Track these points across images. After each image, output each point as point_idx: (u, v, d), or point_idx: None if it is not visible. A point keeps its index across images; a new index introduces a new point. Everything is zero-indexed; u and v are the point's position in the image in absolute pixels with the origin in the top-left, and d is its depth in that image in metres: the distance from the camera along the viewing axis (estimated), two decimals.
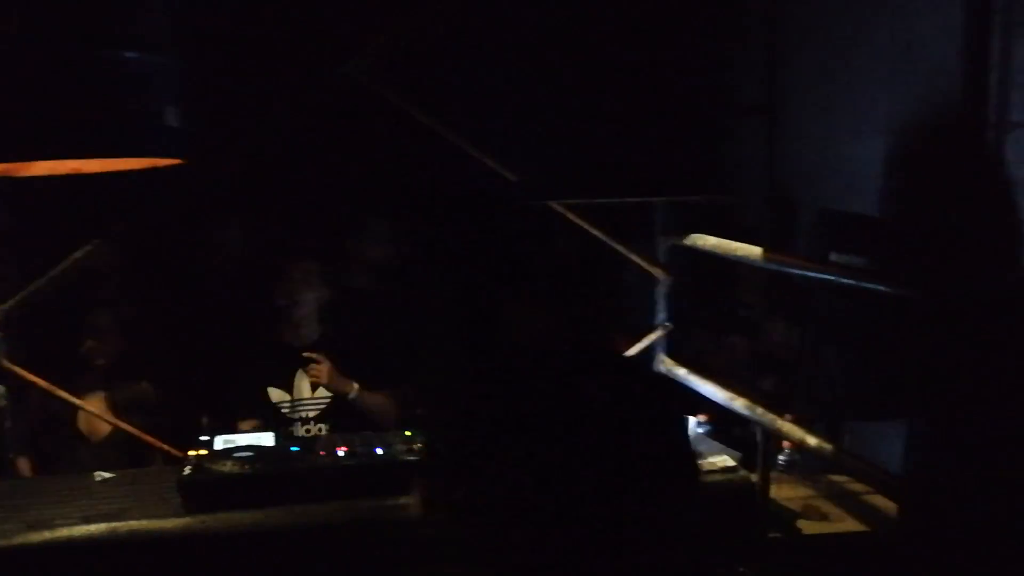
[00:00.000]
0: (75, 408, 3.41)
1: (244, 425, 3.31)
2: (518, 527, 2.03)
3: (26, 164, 2.63)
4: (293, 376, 3.46)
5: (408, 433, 3.04)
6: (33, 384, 3.21)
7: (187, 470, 2.75)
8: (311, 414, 3.44)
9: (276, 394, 3.43)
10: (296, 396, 3.46)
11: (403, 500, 2.71)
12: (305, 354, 3.41)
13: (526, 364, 2.19)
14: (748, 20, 3.29)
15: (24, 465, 3.40)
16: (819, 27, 3.92)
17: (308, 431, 3.42)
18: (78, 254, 3.19)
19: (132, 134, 2.43)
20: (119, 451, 3.40)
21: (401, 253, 4.17)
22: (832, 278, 2.64)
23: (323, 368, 3.40)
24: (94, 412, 3.33)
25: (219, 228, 4.08)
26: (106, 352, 3.50)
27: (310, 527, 2.70)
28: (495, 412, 2.09)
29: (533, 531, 2.03)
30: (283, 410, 3.43)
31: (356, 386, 3.44)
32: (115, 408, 3.48)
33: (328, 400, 3.46)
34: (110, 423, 3.38)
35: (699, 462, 3.03)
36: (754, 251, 2.92)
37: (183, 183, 3.19)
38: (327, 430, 3.42)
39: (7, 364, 3.13)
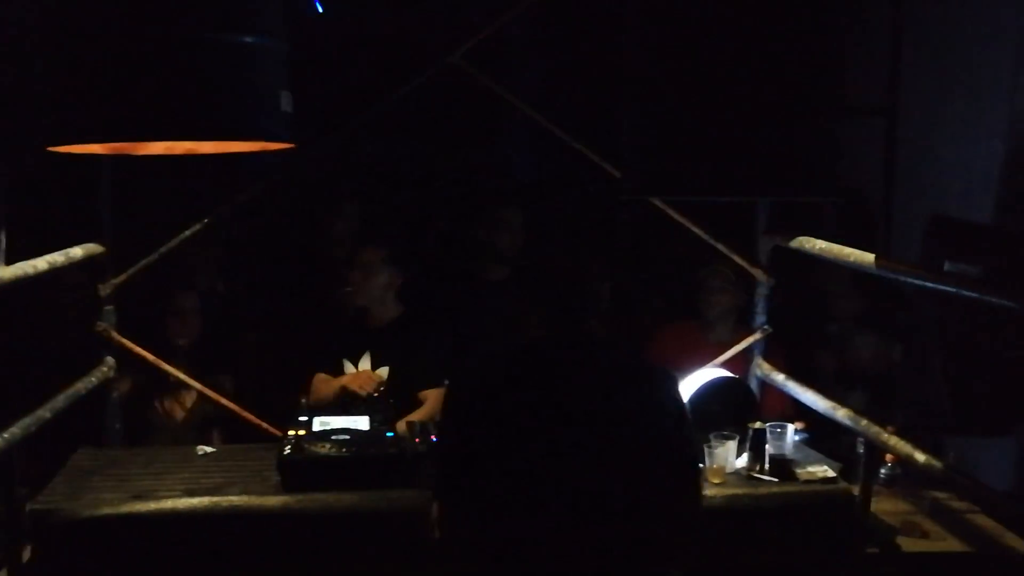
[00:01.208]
0: (159, 391, 3.51)
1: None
2: (516, 520, 2.06)
3: (143, 143, 2.70)
4: (362, 352, 3.51)
5: None
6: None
7: (287, 450, 2.79)
8: (370, 395, 3.46)
9: (348, 366, 3.49)
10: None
11: None
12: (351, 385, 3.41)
13: (525, 360, 2.22)
14: (869, 19, 3.18)
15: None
16: (941, 29, 3.79)
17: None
18: (187, 232, 3.27)
19: (248, 117, 2.47)
20: (190, 438, 3.46)
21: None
22: (949, 289, 2.53)
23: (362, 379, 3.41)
24: (198, 387, 3.39)
25: (329, 213, 4.12)
26: (188, 333, 3.56)
27: (401, 512, 2.72)
28: (492, 408, 2.13)
29: (530, 524, 2.05)
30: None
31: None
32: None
33: (384, 383, 3.48)
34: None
35: (797, 470, 2.98)
36: (866, 258, 2.82)
37: (293, 167, 3.24)
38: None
39: (117, 337, 3.22)
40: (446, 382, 3.46)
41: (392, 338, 3.51)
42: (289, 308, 3.94)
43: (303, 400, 3.25)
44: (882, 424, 2.91)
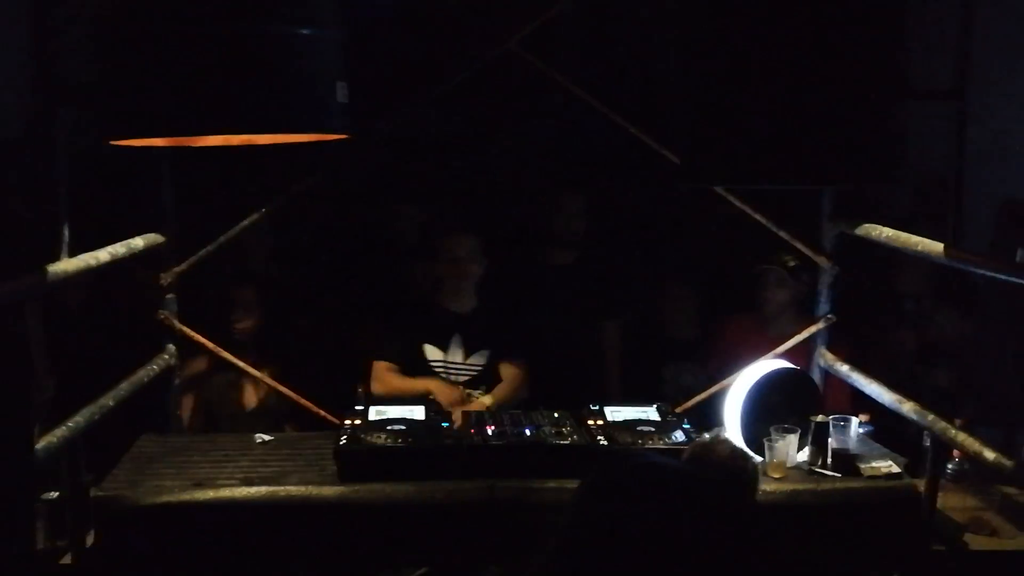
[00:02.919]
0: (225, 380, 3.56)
1: (379, 367, 3.43)
2: None
3: (200, 135, 2.71)
4: (450, 338, 3.50)
5: (557, 415, 3.02)
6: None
7: (343, 439, 2.81)
8: (462, 379, 3.47)
9: (432, 351, 3.49)
10: (450, 358, 3.50)
11: (548, 483, 2.71)
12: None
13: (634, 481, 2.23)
14: (937, 2, 3.07)
15: (187, 403, 3.53)
16: (1013, 6, 3.64)
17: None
18: (246, 221, 3.30)
19: (304, 110, 2.46)
20: (258, 426, 3.49)
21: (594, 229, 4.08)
22: (1020, 282, 2.43)
23: (452, 393, 3.40)
24: (262, 377, 3.43)
25: (398, 202, 4.13)
26: (248, 325, 3.58)
27: (457, 503, 2.73)
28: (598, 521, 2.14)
29: None
30: (435, 368, 3.48)
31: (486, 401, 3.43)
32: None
33: (480, 368, 3.49)
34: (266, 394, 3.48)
35: (861, 465, 2.91)
36: (935, 247, 2.73)
37: (353, 156, 3.24)
38: (480, 395, 3.44)
39: (178, 325, 3.27)
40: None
41: (483, 324, 3.52)
42: (349, 294, 3.95)
43: (360, 389, 3.27)
44: (951, 416, 2.83)
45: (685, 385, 3.75)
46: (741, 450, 2.49)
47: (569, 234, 3.90)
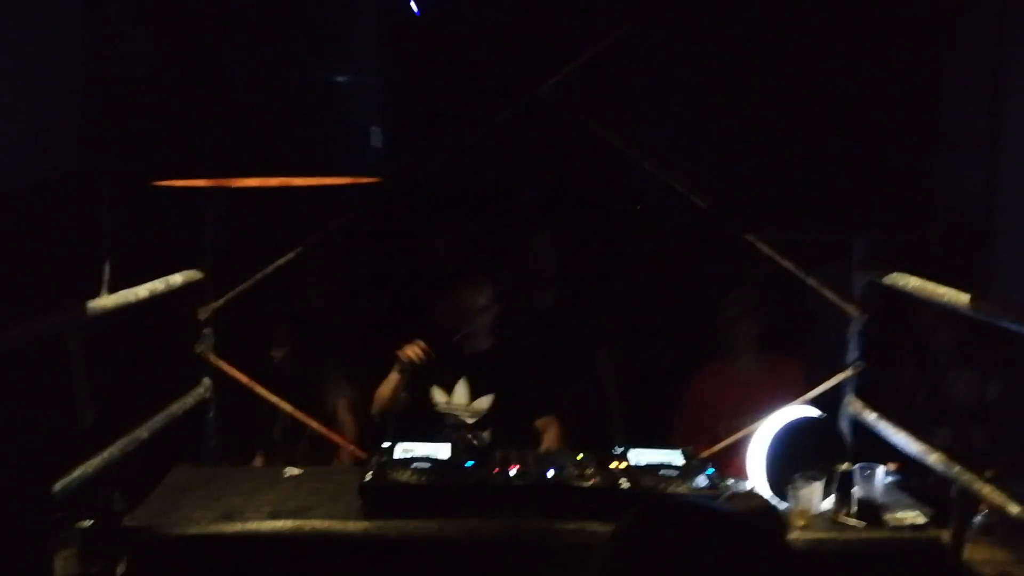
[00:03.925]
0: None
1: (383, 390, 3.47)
2: None
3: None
4: (456, 381, 3.54)
5: (580, 457, 3.04)
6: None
7: (368, 476, 2.86)
8: (468, 421, 3.51)
9: (438, 393, 3.53)
10: (453, 400, 3.54)
11: (570, 525, 2.73)
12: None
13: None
14: (968, 48, 3.08)
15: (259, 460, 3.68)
16: None
17: (472, 437, 3.47)
18: (282, 259, 3.38)
19: (339, 155, 2.54)
20: (316, 450, 3.57)
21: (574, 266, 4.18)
22: None
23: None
24: (288, 408, 3.51)
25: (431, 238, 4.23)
26: (286, 359, 3.68)
27: (479, 542, 2.75)
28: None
29: None
30: (439, 410, 3.52)
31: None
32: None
33: (486, 412, 3.52)
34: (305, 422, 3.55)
35: (886, 515, 2.89)
36: (961, 298, 2.73)
37: (377, 199, 3.31)
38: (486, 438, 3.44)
39: (213, 359, 3.36)
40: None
41: (492, 366, 3.55)
42: (377, 330, 4.03)
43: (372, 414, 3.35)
44: (981, 468, 2.80)
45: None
46: (769, 502, 2.51)
47: (548, 273, 3.98)
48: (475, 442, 3.12)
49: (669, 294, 4.36)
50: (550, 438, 3.51)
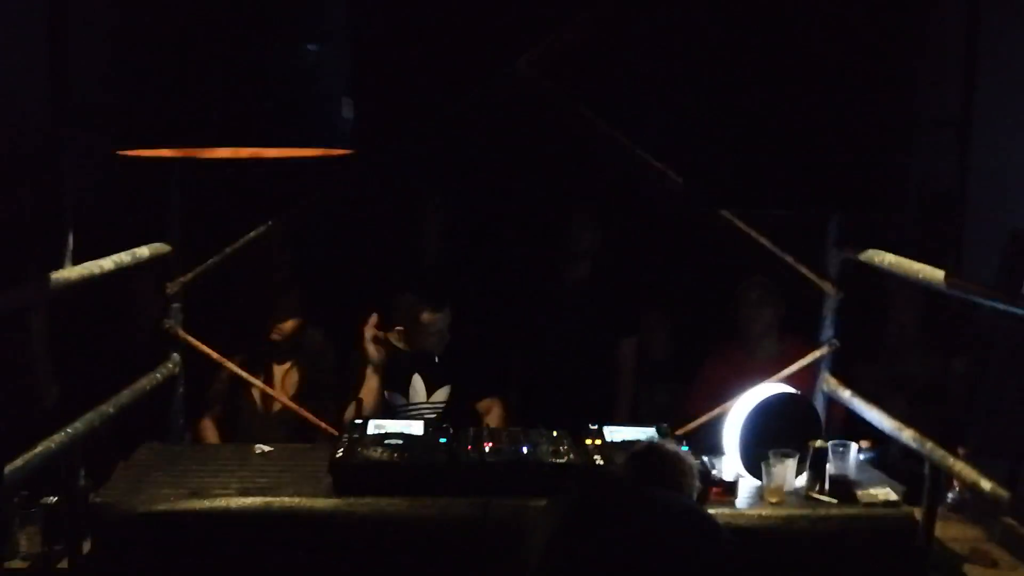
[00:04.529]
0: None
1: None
2: None
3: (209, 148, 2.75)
4: (409, 380, 3.50)
5: (555, 434, 3.02)
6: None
7: (339, 452, 2.82)
8: (429, 416, 3.47)
9: (395, 398, 3.49)
10: (412, 399, 3.50)
11: (543, 502, 2.71)
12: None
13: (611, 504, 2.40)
14: (943, 32, 3.07)
15: (208, 426, 3.57)
16: (1020, 34, 3.62)
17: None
18: (252, 233, 3.32)
19: (310, 126, 2.49)
20: (288, 426, 3.52)
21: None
22: (1020, 312, 2.42)
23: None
24: (263, 387, 3.47)
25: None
26: (283, 331, 3.61)
27: (451, 520, 2.73)
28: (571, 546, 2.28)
29: None
30: (399, 411, 3.47)
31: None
32: (300, 384, 3.61)
33: (443, 404, 3.50)
34: (281, 401, 3.51)
35: (858, 492, 2.89)
36: (936, 275, 2.72)
37: (350, 171, 3.26)
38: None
39: (182, 334, 3.30)
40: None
41: (444, 361, 3.51)
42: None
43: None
44: (954, 446, 2.81)
45: (660, 403, 3.77)
46: (681, 451, 2.56)
47: (582, 248, 3.91)
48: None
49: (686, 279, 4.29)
50: (493, 419, 3.50)
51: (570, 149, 4.12)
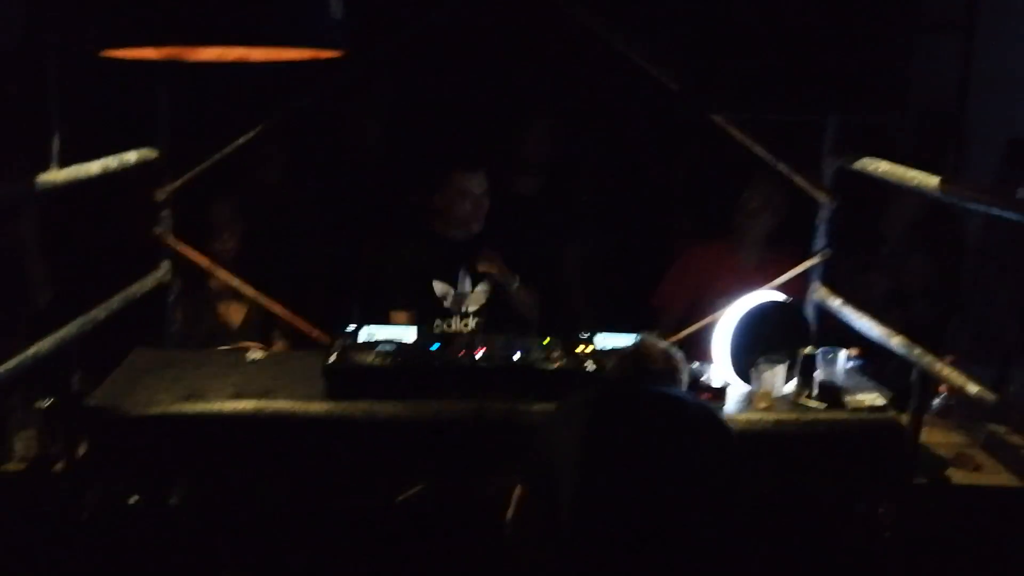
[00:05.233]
0: (214, 299, 3.57)
1: (398, 317, 3.37)
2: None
3: (194, 49, 2.69)
4: (456, 270, 3.50)
5: (546, 341, 3.03)
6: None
7: (332, 358, 2.83)
8: (471, 308, 3.49)
9: (440, 287, 3.48)
10: (460, 290, 3.50)
11: (535, 407, 2.74)
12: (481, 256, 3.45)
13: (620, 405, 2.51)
14: None
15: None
16: None
17: (466, 324, 3.46)
18: (240, 140, 3.28)
19: (298, 23, 2.43)
20: (251, 339, 3.51)
21: (562, 155, 4.12)
22: (1017, 216, 2.41)
23: (494, 260, 3.45)
24: (250, 293, 3.46)
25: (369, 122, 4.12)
26: (229, 242, 3.56)
27: (442, 422, 2.76)
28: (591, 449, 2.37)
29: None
30: (445, 303, 3.48)
31: (517, 278, 3.48)
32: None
33: (487, 295, 3.50)
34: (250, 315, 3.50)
35: (846, 398, 2.92)
36: (931, 181, 2.70)
37: (338, 74, 3.20)
38: (481, 324, 3.46)
39: (172, 241, 3.28)
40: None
41: (487, 248, 3.50)
42: (348, 218, 3.95)
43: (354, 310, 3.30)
44: (942, 352, 2.83)
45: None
46: (670, 348, 2.63)
47: (536, 161, 3.90)
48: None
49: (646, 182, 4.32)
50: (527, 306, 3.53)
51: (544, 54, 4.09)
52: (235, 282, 3.37)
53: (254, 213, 3.66)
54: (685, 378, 2.58)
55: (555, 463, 2.39)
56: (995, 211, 2.56)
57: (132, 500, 2.71)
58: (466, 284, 3.49)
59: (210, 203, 3.55)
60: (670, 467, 2.35)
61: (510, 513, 2.44)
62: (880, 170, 3.01)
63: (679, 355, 2.59)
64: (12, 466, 2.72)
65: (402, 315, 3.38)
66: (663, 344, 2.61)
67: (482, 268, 3.46)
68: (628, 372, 2.57)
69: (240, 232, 3.56)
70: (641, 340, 2.65)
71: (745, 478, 2.41)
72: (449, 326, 3.42)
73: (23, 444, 2.74)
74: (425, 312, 3.40)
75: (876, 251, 3.82)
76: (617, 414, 2.48)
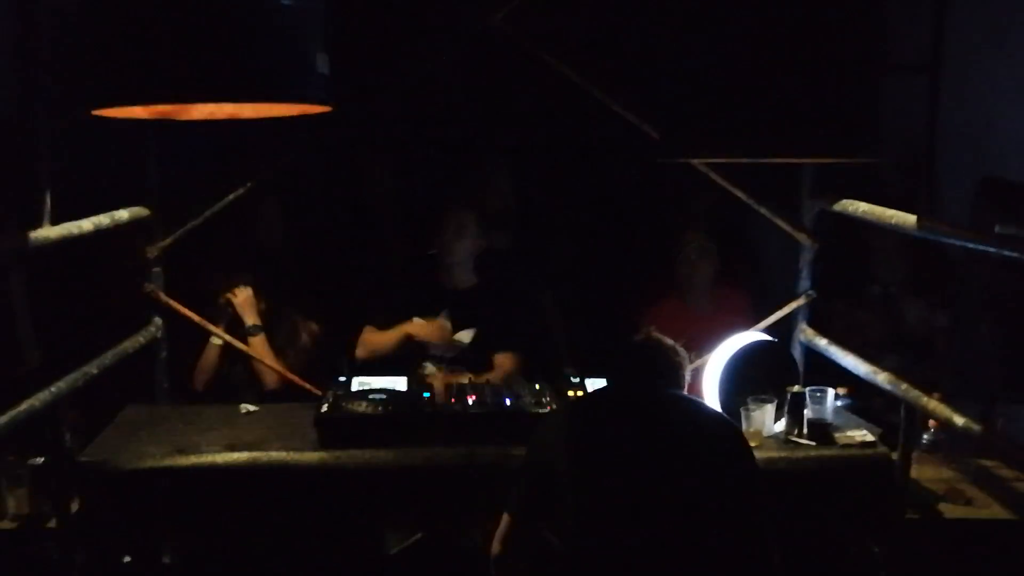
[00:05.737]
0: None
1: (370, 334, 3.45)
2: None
3: (186, 108, 2.74)
4: (438, 314, 3.52)
5: (538, 386, 3.06)
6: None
7: (324, 407, 2.85)
8: (448, 355, 3.51)
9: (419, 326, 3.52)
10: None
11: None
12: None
13: (614, 401, 2.55)
14: None
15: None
16: None
17: (439, 368, 3.49)
18: (231, 196, 3.32)
19: (286, 80, 2.48)
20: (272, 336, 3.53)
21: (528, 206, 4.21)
22: (994, 250, 2.46)
23: (433, 328, 3.47)
24: (240, 345, 3.48)
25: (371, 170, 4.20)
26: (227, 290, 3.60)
27: (436, 469, 2.77)
28: (583, 445, 2.39)
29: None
30: (423, 346, 3.51)
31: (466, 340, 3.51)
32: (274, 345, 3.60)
33: (466, 346, 3.52)
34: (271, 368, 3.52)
35: (836, 435, 2.94)
36: (908, 219, 2.76)
37: (330, 128, 3.26)
38: (448, 371, 3.47)
39: (164, 297, 3.30)
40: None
41: (475, 302, 3.54)
42: (337, 264, 4.00)
43: (349, 358, 3.31)
44: (929, 390, 2.86)
45: None
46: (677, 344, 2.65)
47: (499, 214, 3.98)
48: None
49: (617, 233, 4.41)
50: (498, 372, 3.50)
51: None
52: (227, 337, 3.40)
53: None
54: (687, 377, 2.62)
55: (555, 463, 2.37)
56: (969, 245, 2.61)
57: (125, 560, 2.70)
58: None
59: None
60: (684, 458, 2.35)
61: (496, 544, 2.42)
62: (860, 211, 3.07)
63: (684, 353, 2.62)
64: (4, 524, 2.70)
65: (367, 330, 3.45)
66: (669, 340, 2.63)
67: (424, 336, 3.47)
68: (631, 364, 2.59)
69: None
70: (650, 335, 2.66)
71: (761, 486, 2.39)
72: (423, 378, 3.38)
73: (15, 501, 2.72)
74: (406, 352, 3.44)
75: (867, 291, 3.87)
76: (605, 404, 2.54)
